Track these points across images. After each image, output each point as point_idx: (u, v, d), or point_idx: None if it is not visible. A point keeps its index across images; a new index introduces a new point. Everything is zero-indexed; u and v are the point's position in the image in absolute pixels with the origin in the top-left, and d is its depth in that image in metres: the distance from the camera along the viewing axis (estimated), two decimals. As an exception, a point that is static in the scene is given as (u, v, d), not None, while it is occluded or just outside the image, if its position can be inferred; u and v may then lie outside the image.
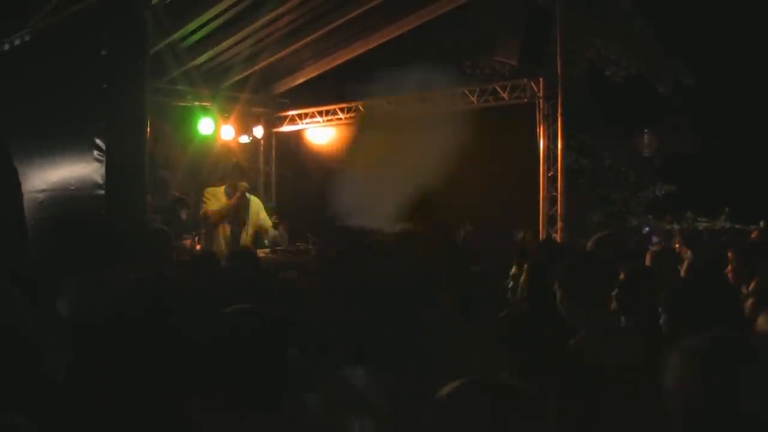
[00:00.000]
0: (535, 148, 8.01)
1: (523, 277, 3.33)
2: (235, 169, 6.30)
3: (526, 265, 3.38)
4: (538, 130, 8.02)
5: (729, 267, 3.42)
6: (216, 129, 9.11)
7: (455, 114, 8.65)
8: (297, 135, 10.28)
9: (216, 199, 6.07)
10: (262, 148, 10.48)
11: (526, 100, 8.12)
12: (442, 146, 8.60)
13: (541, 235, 7.69)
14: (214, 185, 6.31)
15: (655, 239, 9.07)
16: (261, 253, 7.24)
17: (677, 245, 5.52)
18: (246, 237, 6.20)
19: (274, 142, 10.45)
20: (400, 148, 8.85)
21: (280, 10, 7.25)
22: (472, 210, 8.26)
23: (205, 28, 7.35)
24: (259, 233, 6.47)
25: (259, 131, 9.81)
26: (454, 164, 8.29)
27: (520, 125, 8.19)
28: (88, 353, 1.31)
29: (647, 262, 3.20)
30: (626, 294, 2.30)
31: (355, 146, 9.41)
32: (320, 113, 9.85)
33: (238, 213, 6.09)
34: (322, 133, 10.05)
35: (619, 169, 12.73)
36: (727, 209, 11.48)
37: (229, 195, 6.07)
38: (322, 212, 8.20)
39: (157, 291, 1.62)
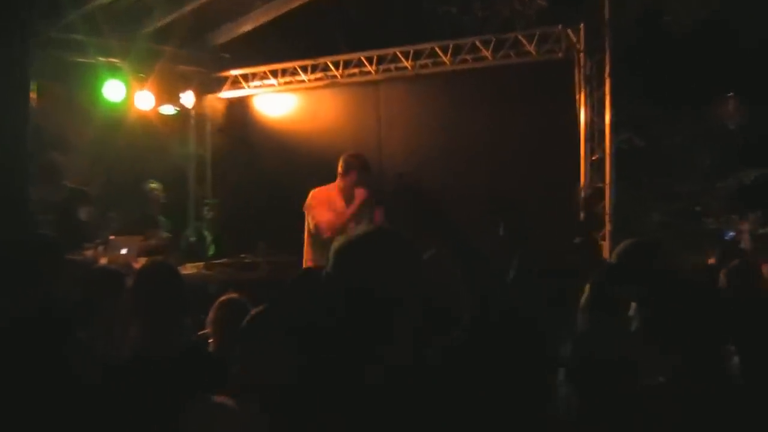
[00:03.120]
0: (574, 122, 8.11)
1: (582, 303, 3.41)
2: (353, 161, 6.60)
3: (587, 289, 3.48)
4: (577, 97, 8.10)
5: None
6: (129, 95, 9.11)
7: (460, 75, 8.75)
8: (243, 104, 10.29)
9: (327, 203, 6.53)
10: (193, 122, 10.49)
11: (560, 55, 8.17)
12: (441, 120, 8.99)
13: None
14: (320, 186, 6.72)
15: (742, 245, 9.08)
16: (190, 267, 7.31)
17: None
18: None
19: (210, 114, 10.46)
20: (385, 124, 9.29)
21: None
22: (483, 209, 8.19)
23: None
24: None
25: (188, 99, 9.78)
26: (460, 146, 8.75)
27: (551, 91, 8.27)
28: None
29: (722, 282, 3.23)
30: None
31: (326, 120, 9.64)
32: (275, 74, 9.86)
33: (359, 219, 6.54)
34: (278, 101, 10.07)
35: (690, 151, 12.77)
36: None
37: (347, 197, 6.57)
38: (278, 211, 8.43)
39: (37, 330, 1.60)
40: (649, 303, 2.63)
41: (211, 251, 8.87)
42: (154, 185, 8.44)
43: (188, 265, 7.49)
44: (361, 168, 6.57)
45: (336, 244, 1.99)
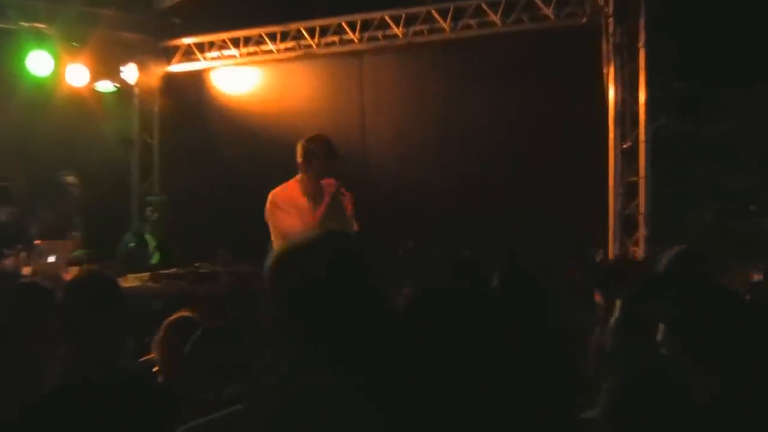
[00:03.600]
0: (600, 103, 8.16)
1: (613, 322, 3.51)
2: (314, 147, 6.52)
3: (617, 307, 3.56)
4: (604, 72, 8.15)
5: None
6: (58, 69, 9.11)
7: (462, 44, 8.83)
8: (197, 80, 10.36)
9: (291, 205, 6.47)
10: (136, 102, 10.55)
11: (583, 20, 8.22)
12: (437, 100, 9.04)
13: (612, 250, 7.85)
14: (278, 186, 6.64)
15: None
16: (132, 279, 7.42)
17: None
18: None
19: (158, 92, 10.50)
20: (370, 104, 9.38)
21: None
22: (491, 210, 8.44)
23: None
24: None
25: (131, 73, 9.82)
26: (459, 132, 8.85)
27: (573, 64, 8.30)
28: None
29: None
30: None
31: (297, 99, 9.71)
32: (236, 42, 9.92)
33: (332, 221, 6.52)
34: (240, 76, 10.12)
35: (743, 138, 12.80)
36: None
37: (312, 193, 6.48)
38: (240, 211, 8.44)
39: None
40: (687, 324, 2.72)
41: (154, 259, 8.85)
42: (70, 178, 8.39)
43: (130, 276, 7.50)
44: (326, 154, 6.49)
45: (269, 259, 2.00)
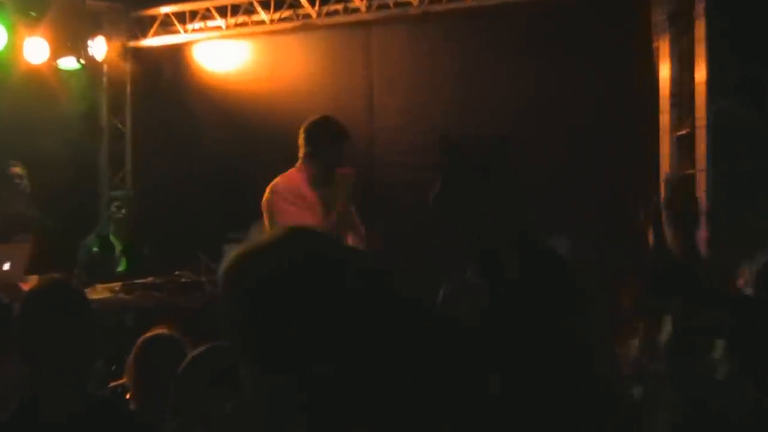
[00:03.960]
0: (650, 81, 8.19)
1: (663, 338, 3.56)
2: (325, 130, 6.59)
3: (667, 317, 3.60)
4: (655, 45, 8.18)
5: None
6: (13, 43, 9.10)
7: (485, 13, 8.78)
8: (177, 56, 10.38)
9: (296, 198, 6.55)
10: (105, 81, 10.59)
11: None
12: (457, 77, 9.06)
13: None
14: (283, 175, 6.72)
15: None
16: (101, 290, 7.46)
17: None
18: None
19: (130, 69, 10.54)
20: (380, 82, 9.40)
21: None
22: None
23: None
24: None
25: (99, 48, 9.84)
26: (483, 114, 8.74)
27: (617, 35, 8.31)
28: None
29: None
30: None
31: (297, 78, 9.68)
32: (223, 12, 9.93)
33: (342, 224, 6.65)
34: (227, 51, 10.13)
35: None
36: None
37: (321, 185, 6.56)
38: (228, 209, 8.65)
39: None
40: (747, 340, 2.82)
41: (121, 266, 8.87)
42: (16, 169, 8.32)
43: (99, 286, 7.51)
44: (337, 139, 6.54)
45: (225, 262, 2.01)
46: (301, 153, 6.54)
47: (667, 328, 3.53)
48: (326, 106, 8.55)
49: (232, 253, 2.00)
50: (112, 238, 9.03)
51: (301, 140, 6.51)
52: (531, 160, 8.15)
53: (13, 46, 9.07)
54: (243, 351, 1.95)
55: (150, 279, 7.78)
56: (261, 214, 6.62)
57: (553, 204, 8.04)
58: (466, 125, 8.64)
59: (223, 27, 9.93)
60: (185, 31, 10.16)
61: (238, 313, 1.94)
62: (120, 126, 10.68)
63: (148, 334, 3.98)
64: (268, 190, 6.55)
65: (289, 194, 6.53)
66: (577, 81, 8.41)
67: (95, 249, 8.98)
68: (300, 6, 9.46)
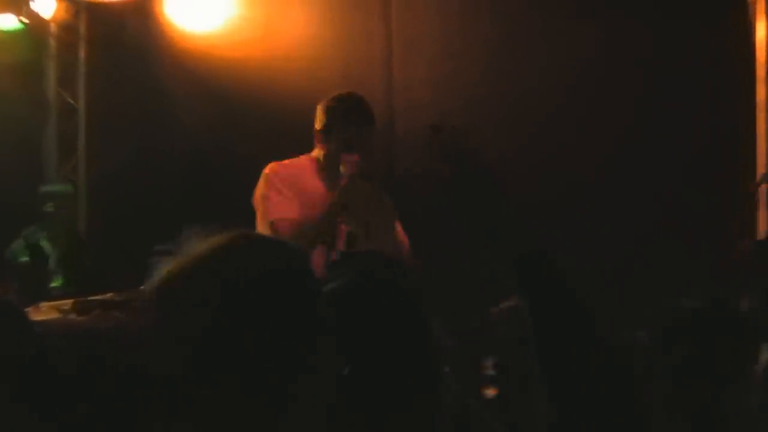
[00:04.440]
0: (743, 50, 8.28)
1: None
2: (345, 108, 6.58)
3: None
4: (752, 8, 8.23)
5: None
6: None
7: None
8: (142, 12, 10.36)
9: (295, 188, 6.61)
10: (54, 45, 10.62)
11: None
12: (493, 41, 9.15)
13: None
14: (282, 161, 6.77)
15: None
16: (48, 309, 7.36)
17: None
18: None
19: (84, 29, 10.55)
20: (400, 46, 9.49)
21: None
22: (572, 202, 8.54)
23: None
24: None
25: (45, 2, 9.89)
26: (523, 87, 8.96)
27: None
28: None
29: None
30: None
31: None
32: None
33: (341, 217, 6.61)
34: (206, 5, 10.14)
35: None
36: None
37: (331, 170, 6.57)
38: (205, 204, 8.64)
39: None
40: None
41: (55, 282, 8.85)
42: None
43: (44, 305, 7.49)
44: (361, 120, 6.51)
45: (156, 278, 2.03)
46: (316, 130, 6.55)
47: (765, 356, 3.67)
48: (334, 77, 8.76)
49: (163, 268, 2.02)
50: (44, 244, 9.04)
51: (318, 113, 6.51)
52: (592, 139, 8.62)
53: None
54: (179, 380, 1.96)
55: (110, 295, 7.67)
56: (249, 212, 6.62)
57: (622, 186, 8.45)
58: (504, 100, 8.88)
59: (201, -20, 10.06)
60: (152, -17, 10.28)
61: (176, 337, 1.98)
62: (71, 100, 10.66)
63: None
64: (262, 175, 6.57)
65: (282, 183, 6.56)
66: (645, 44, 8.52)
67: (24, 258, 8.96)
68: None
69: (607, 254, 8.03)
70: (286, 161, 6.69)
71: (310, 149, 6.59)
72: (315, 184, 6.56)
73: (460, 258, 7.94)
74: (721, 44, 8.23)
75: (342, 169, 6.43)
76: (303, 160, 6.69)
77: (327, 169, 6.53)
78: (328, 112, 6.50)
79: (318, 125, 6.53)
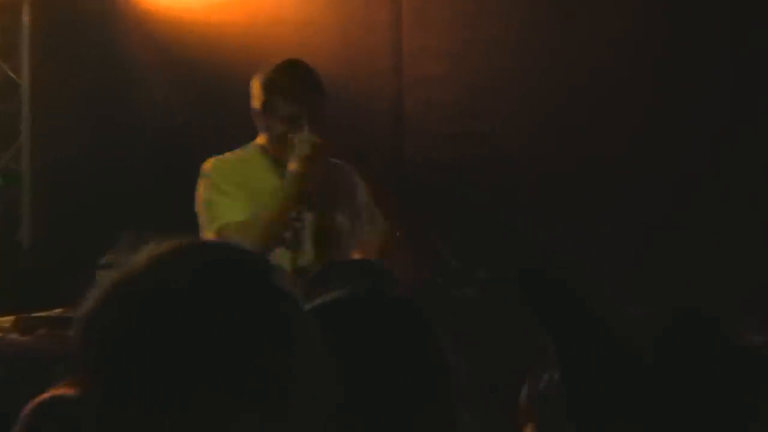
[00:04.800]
0: None
1: None
2: (294, 80, 6.75)
3: None
4: None
5: None
6: None
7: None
8: None
9: (241, 188, 6.74)
10: None
11: None
12: (516, 13, 9.27)
13: None
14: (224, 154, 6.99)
15: None
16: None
17: None
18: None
19: None
20: (410, 19, 9.53)
21: None
22: (615, 209, 8.58)
23: None
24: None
25: None
26: (559, 68, 9.20)
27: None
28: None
29: None
30: None
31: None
32: None
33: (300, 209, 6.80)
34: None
35: None
36: None
37: (280, 157, 6.75)
38: (173, 201, 8.48)
39: None
40: None
41: None
42: None
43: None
44: (309, 90, 6.60)
45: (86, 300, 1.96)
46: (255, 111, 6.70)
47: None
48: (330, 44, 8.89)
49: (103, 282, 1.96)
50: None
51: (255, 90, 6.67)
52: (639, 133, 8.68)
53: None
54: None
55: (57, 311, 7.85)
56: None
57: (680, 192, 8.51)
58: (529, 75, 9.01)
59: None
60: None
61: (95, 359, 1.93)
62: (13, 75, 10.63)
63: (38, 399, 3.78)
64: (200, 174, 6.75)
65: (225, 181, 6.71)
66: (695, 15, 8.57)
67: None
68: None
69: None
70: (228, 154, 6.82)
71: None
72: (264, 177, 6.71)
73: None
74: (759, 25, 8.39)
75: (294, 153, 6.52)
76: (247, 150, 6.83)
77: (277, 156, 6.69)
78: (267, 86, 6.62)
79: (257, 105, 6.67)
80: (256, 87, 6.64)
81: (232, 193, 6.63)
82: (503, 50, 9.06)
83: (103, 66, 10.19)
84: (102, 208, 9.44)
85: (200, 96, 9.64)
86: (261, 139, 6.70)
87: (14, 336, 7.56)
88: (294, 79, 6.62)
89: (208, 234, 6.58)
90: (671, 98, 8.61)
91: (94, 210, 9.50)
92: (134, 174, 9.76)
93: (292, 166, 6.50)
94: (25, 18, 10.48)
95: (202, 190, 6.68)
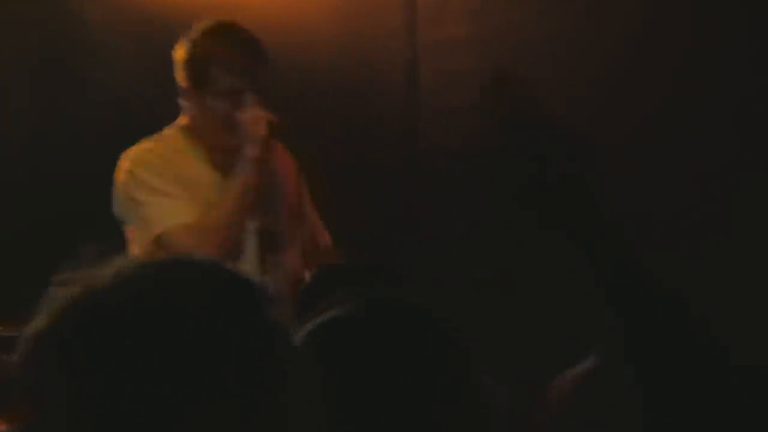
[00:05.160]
0: None
1: None
2: (230, 47, 6.87)
3: None
4: None
5: None
6: None
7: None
8: None
9: (177, 182, 6.81)
10: None
11: None
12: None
13: None
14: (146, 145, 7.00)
15: None
16: None
17: None
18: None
19: None
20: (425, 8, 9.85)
21: None
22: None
23: None
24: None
25: None
26: (605, 60, 9.69)
27: None
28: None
29: None
30: None
31: None
32: None
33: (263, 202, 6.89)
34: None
35: None
36: None
37: (221, 153, 6.90)
38: None
39: None
40: None
41: None
42: None
43: None
44: (252, 56, 6.69)
45: (38, 318, 2.02)
46: (183, 87, 6.67)
47: None
48: (340, 39, 9.38)
49: (58, 299, 2.02)
50: None
51: (181, 61, 6.69)
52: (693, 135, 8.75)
53: None
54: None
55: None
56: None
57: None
58: (554, 60, 9.47)
59: None
60: None
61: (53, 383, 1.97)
62: None
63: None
64: (121, 169, 6.77)
65: (162, 177, 6.78)
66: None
67: None
68: None
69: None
70: (149, 144, 6.85)
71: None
72: (198, 167, 6.84)
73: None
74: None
75: (245, 135, 6.65)
76: (170, 136, 6.90)
77: (214, 141, 6.79)
78: (200, 55, 6.67)
79: (184, 81, 6.69)
80: (183, 57, 6.65)
81: (168, 191, 6.68)
82: (549, 48, 9.45)
83: (58, 46, 10.43)
84: (50, 207, 9.70)
85: (167, 75, 9.47)
86: (184, 120, 6.71)
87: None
88: (234, 46, 6.65)
89: (142, 244, 6.67)
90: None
91: (41, 209, 9.69)
92: (88, 166, 9.52)
93: (248, 151, 6.56)
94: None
95: (126, 191, 6.74)
